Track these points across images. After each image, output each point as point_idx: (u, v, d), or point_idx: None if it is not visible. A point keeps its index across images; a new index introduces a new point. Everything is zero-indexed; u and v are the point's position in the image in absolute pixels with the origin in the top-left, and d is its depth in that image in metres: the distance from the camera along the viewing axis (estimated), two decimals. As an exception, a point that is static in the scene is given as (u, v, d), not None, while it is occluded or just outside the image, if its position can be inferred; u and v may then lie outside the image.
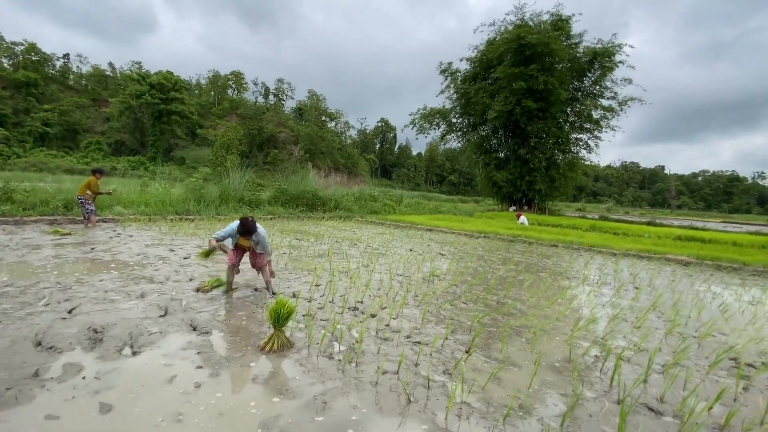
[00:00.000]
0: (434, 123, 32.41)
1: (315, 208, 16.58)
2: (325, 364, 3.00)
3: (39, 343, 3.06)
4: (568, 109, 29.51)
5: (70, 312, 3.71)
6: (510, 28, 27.82)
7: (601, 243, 11.64)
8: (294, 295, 4.72)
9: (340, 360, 3.07)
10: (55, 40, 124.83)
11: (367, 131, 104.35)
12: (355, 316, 4.14)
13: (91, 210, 9.21)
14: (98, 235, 8.16)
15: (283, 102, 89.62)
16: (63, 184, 13.43)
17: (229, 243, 4.70)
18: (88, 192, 9.16)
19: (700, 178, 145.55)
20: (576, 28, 28.28)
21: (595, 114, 28.74)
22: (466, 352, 3.40)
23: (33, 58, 64.44)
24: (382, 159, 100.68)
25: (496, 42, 27.88)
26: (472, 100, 29.20)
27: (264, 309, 4.12)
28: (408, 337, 3.63)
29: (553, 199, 31.13)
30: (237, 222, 4.44)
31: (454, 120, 32.45)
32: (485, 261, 8.24)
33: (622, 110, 28.46)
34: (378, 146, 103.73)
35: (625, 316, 4.91)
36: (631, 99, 28.17)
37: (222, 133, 51.12)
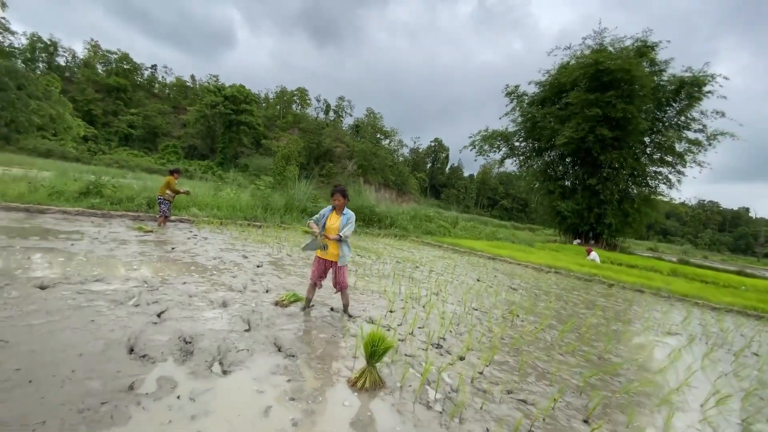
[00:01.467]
0: (495, 145, 31.51)
1: (371, 223, 16.49)
2: (425, 416, 2.63)
3: (132, 350, 3.01)
4: (647, 140, 27.33)
5: (159, 316, 3.69)
6: (587, 52, 26.56)
7: (694, 293, 10.23)
8: (371, 321, 4.43)
9: (440, 412, 2.69)
10: (145, 51, 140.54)
11: (420, 150, 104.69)
12: (441, 355, 3.74)
13: (165, 211, 9.53)
14: (177, 235, 8.54)
15: (342, 118, 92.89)
16: (145, 182, 14.54)
17: (315, 231, 4.42)
18: (168, 191, 9.53)
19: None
20: (662, 55, 26.28)
21: (679, 147, 26.30)
22: (585, 421, 2.86)
23: (125, 67, 72.61)
24: (432, 178, 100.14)
25: (571, 66, 26.72)
26: (539, 124, 28.04)
27: (345, 334, 3.87)
28: (509, 392, 3.16)
29: (624, 236, 28.66)
30: (324, 209, 4.39)
31: (516, 143, 31.34)
32: (566, 302, 7.46)
33: (710, 144, 25.82)
34: (429, 165, 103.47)
35: (758, 392, 4.04)
36: (722, 133, 25.49)
37: (284, 144, 53.83)
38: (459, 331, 4.54)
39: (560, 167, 30.13)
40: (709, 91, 24.94)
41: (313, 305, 4.66)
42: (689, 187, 55.61)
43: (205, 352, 3.08)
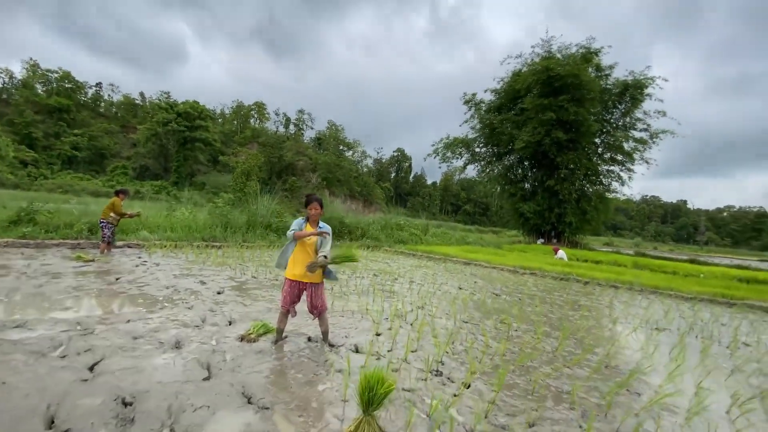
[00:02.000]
0: (457, 152, 31.96)
1: (341, 235, 15.84)
2: (442, 473, 2.09)
3: (52, 422, 2.26)
4: (598, 141, 28.77)
5: (91, 369, 2.92)
6: (537, 60, 27.68)
7: (665, 285, 10.45)
8: (357, 349, 3.85)
9: (460, 465, 2.16)
10: (88, 69, 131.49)
11: (383, 160, 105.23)
12: (443, 384, 3.23)
13: (108, 236, 8.45)
14: (123, 263, 7.51)
15: (302, 131, 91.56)
16: (88, 206, 13.09)
17: (288, 250, 3.82)
18: (112, 214, 8.45)
19: (725, 214, 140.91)
20: (605, 60, 27.92)
21: (627, 146, 27.88)
22: (623, 452, 2.44)
23: (66, 86, 67.57)
24: (397, 188, 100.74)
25: (523, 74, 27.72)
26: (497, 130, 28.78)
27: (329, 370, 3.26)
28: (533, 426, 2.69)
29: (584, 233, 29.80)
30: (296, 220, 3.79)
31: (477, 149, 31.97)
32: (551, 305, 7.22)
33: (654, 142, 27.59)
34: (393, 175, 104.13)
35: None
36: (663, 131, 27.35)
37: (243, 160, 51.92)
38: (456, 350, 4.05)
39: (520, 170, 31.02)
40: (648, 94, 26.74)
41: (286, 336, 4.00)
42: (633, 183, 59.48)
43: (150, 416, 2.37)
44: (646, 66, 34.97)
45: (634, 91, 26.62)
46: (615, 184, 28.94)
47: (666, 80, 26.79)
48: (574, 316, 6.39)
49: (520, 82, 27.47)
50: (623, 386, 3.50)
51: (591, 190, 28.80)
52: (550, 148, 26.05)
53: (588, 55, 27.15)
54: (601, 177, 28.99)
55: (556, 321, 5.91)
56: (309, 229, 3.73)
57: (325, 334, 3.98)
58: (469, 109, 31.49)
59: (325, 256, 3.60)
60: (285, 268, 3.83)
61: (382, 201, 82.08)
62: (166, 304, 4.82)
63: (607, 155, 29.15)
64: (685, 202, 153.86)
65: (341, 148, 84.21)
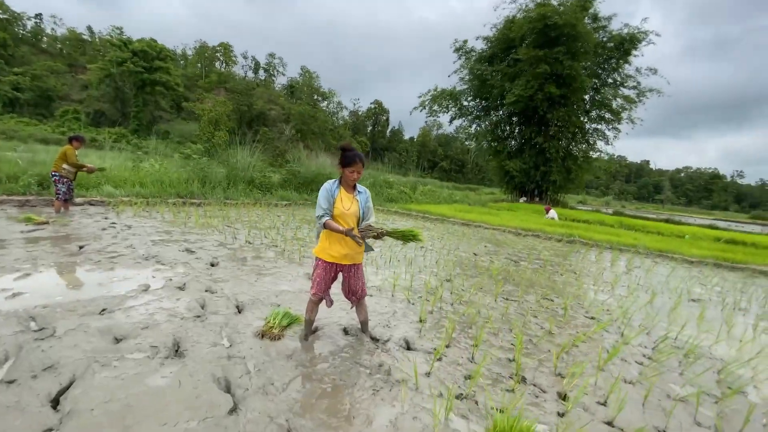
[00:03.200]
0: (444, 105, 30.53)
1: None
2: None
3: None
4: (587, 97, 28.08)
5: (55, 405, 1.99)
6: (532, 5, 25.87)
7: (667, 248, 10.30)
8: (407, 345, 3.08)
9: None
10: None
11: (360, 113, 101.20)
12: (537, 397, 2.54)
13: (64, 192, 6.91)
14: (86, 226, 6.27)
15: (274, 78, 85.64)
16: (37, 155, 11.23)
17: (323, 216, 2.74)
18: (65, 166, 6.90)
19: (683, 174, 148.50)
20: (602, 10, 26.49)
21: (615, 104, 27.40)
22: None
23: (0, 16, 58.77)
24: (373, 142, 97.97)
25: (518, 21, 25.97)
26: (488, 82, 27.42)
27: (387, 381, 2.48)
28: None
29: (566, 192, 29.97)
30: (328, 182, 2.77)
31: (465, 103, 30.63)
32: (578, 274, 6.73)
33: (640, 101, 27.21)
34: (370, 129, 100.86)
35: None
36: (650, 90, 26.92)
37: (210, 107, 47.98)
38: (527, 344, 3.38)
39: (507, 127, 30.18)
40: (641, 50, 25.89)
41: (316, 329, 3.17)
42: (615, 143, 60.32)
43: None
44: (643, 18, 33.52)
45: (629, 45, 25.66)
46: (600, 143, 28.80)
47: (659, 35, 25.95)
48: (613, 287, 5.91)
49: (514, 30, 25.80)
50: (723, 374, 2.96)
51: (577, 148, 28.56)
52: (541, 103, 25.16)
53: (586, 3, 25.61)
54: (587, 135, 28.68)
55: (597, 296, 5.39)
56: (345, 197, 2.76)
57: (364, 324, 3.17)
58: (459, 58, 29.71)
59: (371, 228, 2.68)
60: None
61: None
62: (150, 284, 3.82)
63: (594, 113, 28.66)
64: (648, 162, 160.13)
65: (316, 97, 79.79)
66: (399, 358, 2.81)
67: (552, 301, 4.85)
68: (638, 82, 26.81)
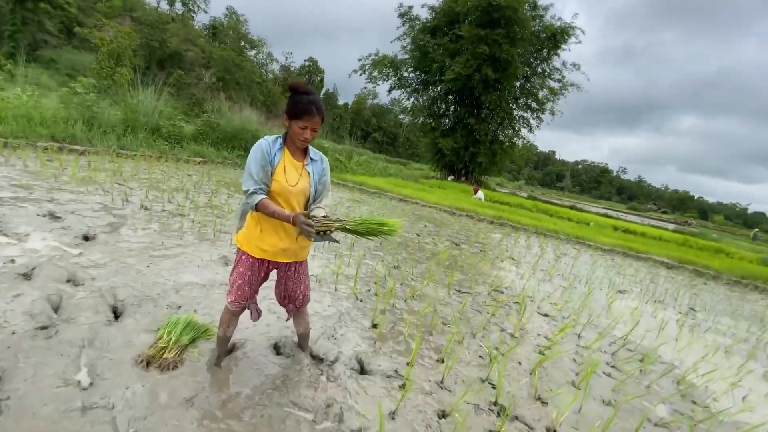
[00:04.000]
0: (384, 73, 29.34)
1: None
2: None
3: None
4: (517, 84, 29.16)
5: None
6: (480, -20, 25.46)
7: (583, 235, 11.03)
8: (361, 368, 2.37)
9: None
10: None
11: (292, 69, 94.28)
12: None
13: None
14: None
15: (193, 14, 74.73)
16: None
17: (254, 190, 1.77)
18: None
19: (580, 167, 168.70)
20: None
21: (541, 94, 28.91)
22: None
23: None
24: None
25: (463, -7, 25.47)
26: (429, 55, 26.82)
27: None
28: None
29: (489, 174, 31.40)
30: (266, 140, 1.81)
31: (405, 74, 29.78)
32: (516, 262, 6.61)
33: (562, 94, 29.09)
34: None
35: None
36: (572, 84, 28.86)
37: (111, 37, 40.10)
38: (492, 356, 2.88)
39: (444, 105, 30.22)
40: (568, 45, 27.40)
41: (233, 348, 2.27)
42: (537, 132, 64.80)
43: None
44: (575, 14, 35.31)
45: (560, 37, 26.88)
46: (524, 131, 30.39)
47: (584, 32, 27.63)
48: (551, 277, 5.84)
49: (460, 3, 25.29)
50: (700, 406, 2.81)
51: (503, 134, 29.79)
52: (477, 84, 25.41)
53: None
54: (514, 122, 30.01)
55: (540, 287, 5.23)
56: (291, 165, 1.85)
57: (304, 338, 2.35)
58: (403, 24, 28.47)
59: (326, 215, 1.83)
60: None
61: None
62: (-33, 268, 2.50)
63: (522, 101, 29.99)
64: (554, 152, 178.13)
65: (242, 44, 71.68)
66: (353, 391, 2.08)
67: (502, 293, 4.52)
68: (563, 76, 28.52)
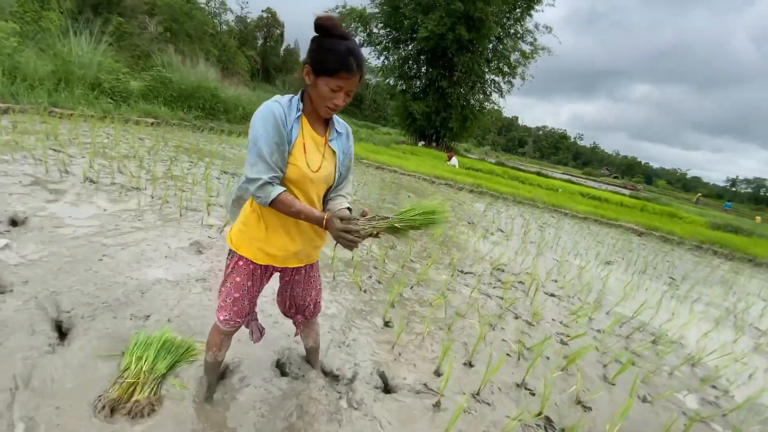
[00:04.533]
0: (353, 27, 27.45)
1: (215, 114, 11.85)
2: None
3: None
4: (490, 46, 28.43)
5: None
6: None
7: (558, 203, 11.13)
8: (385, 385, 1.97)
9: None
10: None
11: (249, 20, 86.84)
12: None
13: None
14: None
15: (130, -50, 65.69)
16: None
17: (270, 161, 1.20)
18: None
19: (541, 132, 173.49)
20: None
21: (513, 58, 28.43)
22: None
23: None
24: (264, 59, 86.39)
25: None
26: (400, 10, 25.27)
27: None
28: None
29: (459, 140, 31.16)
30: (277, 103, 1.22)
31: (375, 30, 28.07)
32: (506, 234, 6.41)
33: (533, 58, 28.80)
34: (261, 42, 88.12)
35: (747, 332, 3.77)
36: (542, 48, 28.57)
37: (30, -29, 34.35)
38: (521, 353, 2.60)
39: (415, 65, 29.03)
40: (543, 5, 26.79)
41: (225, 371, 1.79)
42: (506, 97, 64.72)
43: None
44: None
45: (536, -3, 26.16)
46: (495, 96, 30.06)
47: (556, -6, 27.06)
48: (541, 250, 5.69)
49: (435, -47, 23.68)
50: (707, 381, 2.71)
51: (474, 99, 29.33)
52: (451, 44, 24.43)
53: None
54: (485, 86, 29.53)
55: (537, 261, 5.05)
56: (309, 134, 1.31)
57: (313, 351, 1.90)
58: (373, -28, 26.45)
59: (350, 210, 1.35)
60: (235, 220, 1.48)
61: (246, 73, 69.62)
62: None
63: (494, 64, 29.41)
64: (517, 118, 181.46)
65: (192, -10, 64.47)
66: (383, 420, 1.69)
67: (503, 271, 4.27)
68: (535, 38, 28.08)
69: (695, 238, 10.09)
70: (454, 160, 17.31)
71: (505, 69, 28.88)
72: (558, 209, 10.54)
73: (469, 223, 6.43)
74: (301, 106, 1.27)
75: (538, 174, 27.14)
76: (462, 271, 3.90)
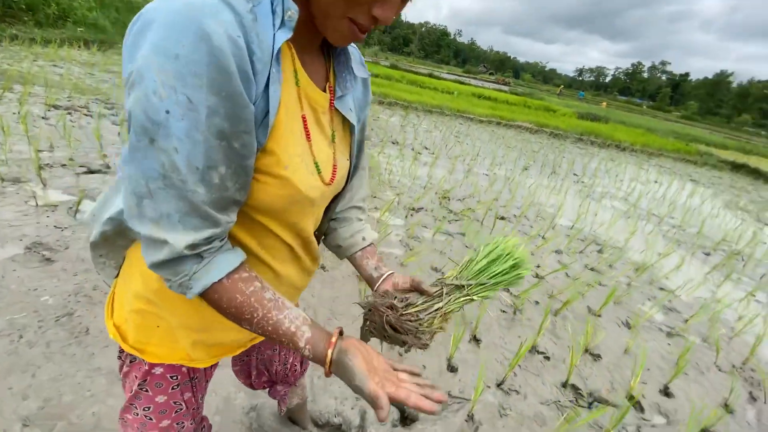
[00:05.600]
0: None
1: (15, 16, 8.16)
2: None
3: None
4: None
5: None
6: None
7: (462, 108, 11.07)
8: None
9: None
10: None
11: None
12: None
13: None
14: None
15: None
16: None
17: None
18: None
19: (424, 29, 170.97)
20: None
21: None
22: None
23: None
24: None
25: None
26: None
27: None
28: None
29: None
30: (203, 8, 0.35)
31: None
32: (432, 152, 6.00)
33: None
34: None
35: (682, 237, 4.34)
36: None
37: None
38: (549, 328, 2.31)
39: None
40: None
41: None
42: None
43: None
44: None
45: None
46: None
47: None
48: (470, 168, 5.47)
49: None
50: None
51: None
52: None
53: None
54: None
55: (480, 182, 4.83)
56: (306, 87, 0.50)
57: (299, 408, 1.27)
58: None
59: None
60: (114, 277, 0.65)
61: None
62: None
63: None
64: (404, 15, 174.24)
65: None
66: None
67: (449, 199, 3.92)
68: None
69: (575, 131, 11.24)
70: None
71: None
72: (463, 114, 10.51)
73: (393, 143, 5.82)
74: (291, 13, 0.42)
75: (431, 76, 26.91)
76: (414, 209, 3.42)
